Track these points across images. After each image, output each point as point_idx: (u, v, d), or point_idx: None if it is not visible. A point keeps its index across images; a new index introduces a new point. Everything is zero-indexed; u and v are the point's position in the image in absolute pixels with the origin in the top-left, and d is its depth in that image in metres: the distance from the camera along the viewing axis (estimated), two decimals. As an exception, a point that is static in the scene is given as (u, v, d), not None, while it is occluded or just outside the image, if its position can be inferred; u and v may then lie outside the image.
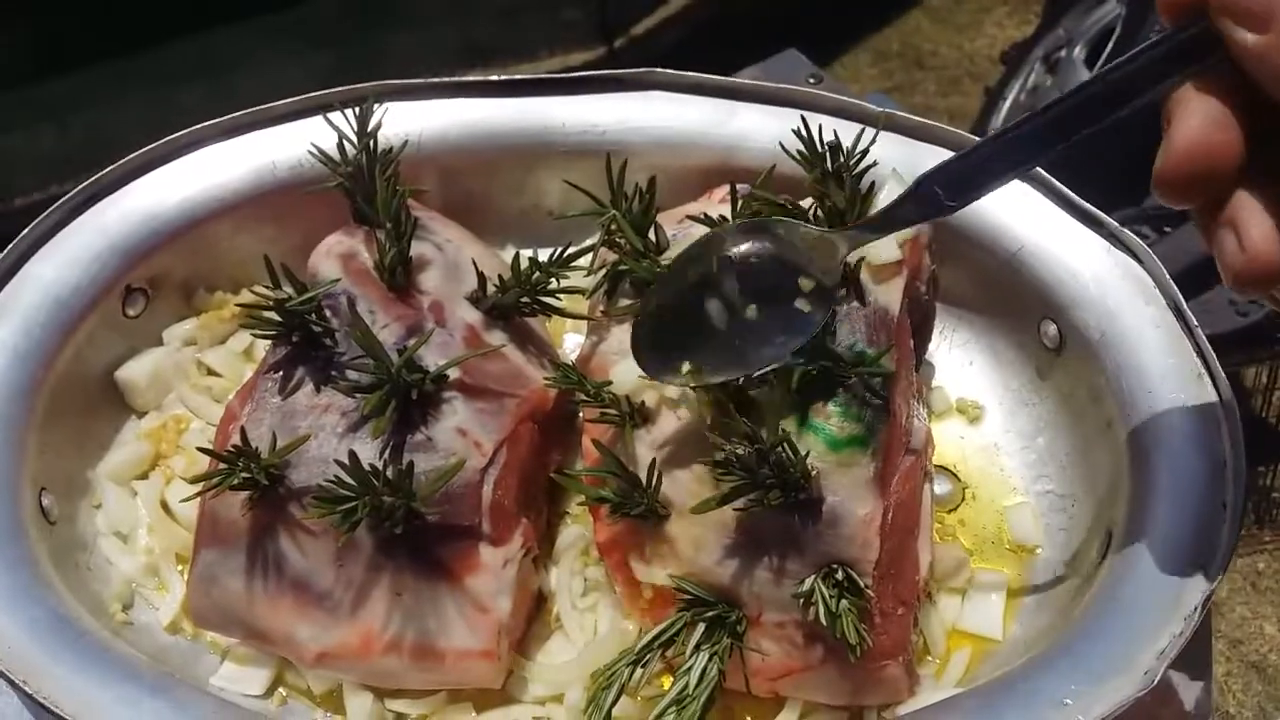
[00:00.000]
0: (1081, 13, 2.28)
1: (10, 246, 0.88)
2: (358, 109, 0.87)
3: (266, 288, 0.78)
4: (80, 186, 0.92)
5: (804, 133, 0.81)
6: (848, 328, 0.75)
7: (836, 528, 0.72)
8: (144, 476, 0.90)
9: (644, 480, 0.75)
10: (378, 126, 0.87)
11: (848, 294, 0.77)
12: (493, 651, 0.75)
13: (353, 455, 0.71)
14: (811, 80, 1.31)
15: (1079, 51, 2.26)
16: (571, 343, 1.00)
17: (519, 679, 0.80)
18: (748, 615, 0.74)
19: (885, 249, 0.78)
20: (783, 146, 0.82)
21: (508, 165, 1.03)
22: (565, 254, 0.85)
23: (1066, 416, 0.89)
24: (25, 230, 0.89)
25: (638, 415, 0.79)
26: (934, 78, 2.94)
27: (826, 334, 0.74)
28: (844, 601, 0.70)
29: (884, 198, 0.81)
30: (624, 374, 0.79)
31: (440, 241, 0.91)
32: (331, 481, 0.71)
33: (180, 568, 0.85)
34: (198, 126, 0.97)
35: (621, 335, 0.83)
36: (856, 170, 0.80)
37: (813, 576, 0.71)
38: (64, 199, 0.91)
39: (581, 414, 0.86)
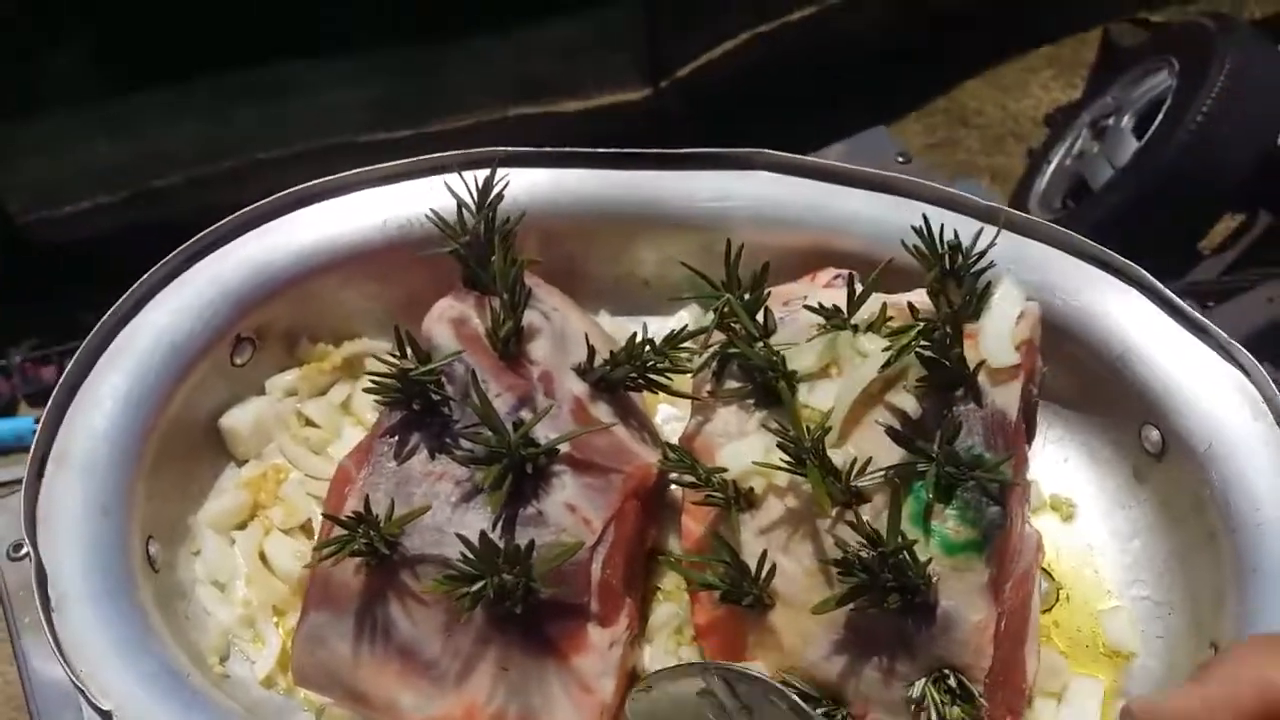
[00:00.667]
0: (1131, 82, 2.29)
1: (127, 294, 0.90)
2: (478, 175, 0.89)
3: (392, 355, 0.79)
4: (196, 237, 0.94)
5: (925, 231, 0.82)
6: (966, 430, 0.75)
7: (950, 632, 0.72)
8: (242, 526, 0.91)
9: (753, 569, 0.75)
10: (500, 197, 0.88)
11: (965, 395, 0.78)
12: (595, 733, 0.75)
13: (483, 536, 0.71)
14: (900, 160, 1.32)
15: (1127, 121, 2.27)
16: (664, 414, 1.01)
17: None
18: (853, 713, 0.74)
19: (1003, 352, 0.78)
20: (905, 245, 0.83)
21: (608, 234, 1.04)
22: (680, 335, 0.86)
23: (1165, 522, 0.89)
24: (143, 277, 0.91)
25: (743, 500, 0.79)
26: (977, 136, 2.95)
27: (945, 435, 0.74)
28: (956, 708, 0.70)
29: (999, 299, 0.82)
30: (733, 457, 0.79)
31: (547, 310, 0.92)
32: (457, 558, 0.72)
33: (276, 620, 0.86)
34: (312, 183, 0.99)
35: (728, 417, 0.83)
36: (974, 269, 0.81)
37: (924, 680, 0.71)
38: (180, 248, 0.93)
39: (681, 493, 0.86)
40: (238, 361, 0.95)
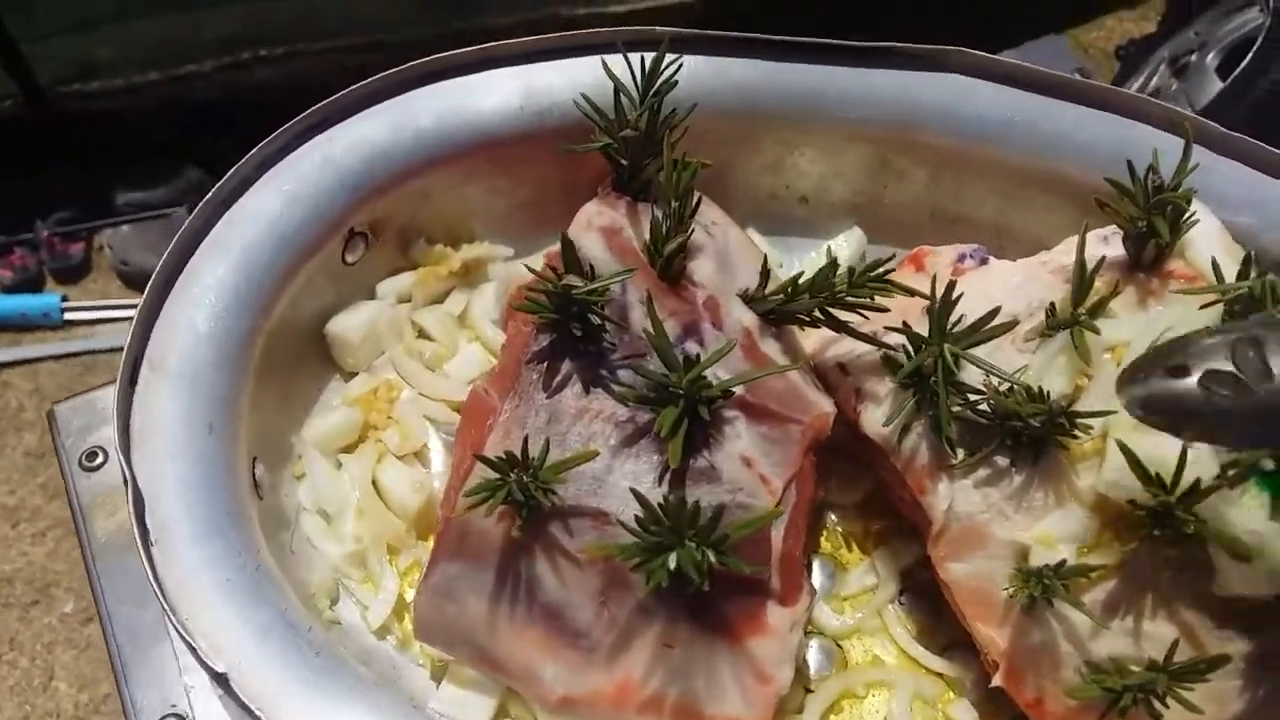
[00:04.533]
0: (1218, 17, 2.10)
1: (231, 171, 0.77)
2: (644, 56, 0.75)
3: (552, 271, 0.67)
4: (308, 111, 0.81)
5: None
6: None
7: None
8: (350, 449, 0.80)
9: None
10: (672, 84, 0.74)
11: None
12: (766, 725, 0.65)
13: (667, 498, 0.60)
14: (1078, 74, 1.16)
15: (1212, 59, 2.08)
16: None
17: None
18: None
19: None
20: (1110, 180, 0.70)
21: (770, 139, 0.90)
22: (879, 269, 0.72)
23: None
24: (248, 155, 0.78)
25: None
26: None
27: None
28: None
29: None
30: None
31: (708, 224, 0.79)
32: (617, 512, 0.61)
33: (390, 559, 0.76)
34: (437, 56, 0.85)
35: (979, 489, 0.68)
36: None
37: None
38: (290, 124, 0.80)
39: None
40: (349, 259, 0.83)
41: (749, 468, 0.67)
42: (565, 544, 0.64)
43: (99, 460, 0.81)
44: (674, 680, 0.64)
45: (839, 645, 0.76)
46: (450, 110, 0.84)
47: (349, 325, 0.82)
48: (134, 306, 0.71)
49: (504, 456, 0.62)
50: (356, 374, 0.84)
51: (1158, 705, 0.60)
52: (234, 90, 1.77)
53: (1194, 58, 2.10)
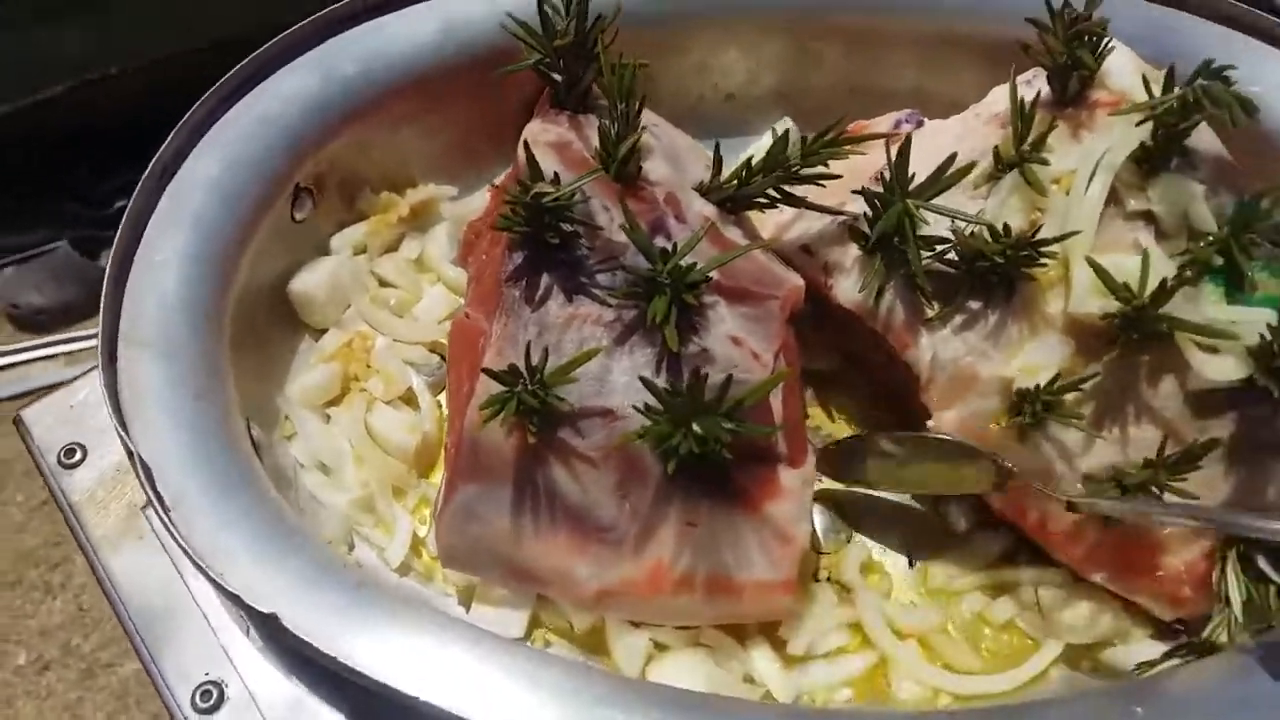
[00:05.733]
0: None
1: (166, 142, 0.76)
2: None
3: (515, 187, 0.67)
4: (232, 71, 0.79)
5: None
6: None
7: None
8: (335, 402, 0.80)
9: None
10: (597, -11, 0.75)
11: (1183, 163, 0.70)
12: (792, 583, 0.68)
13: (671, 383, 0.61)
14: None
15: None
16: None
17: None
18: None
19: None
20: (1033, 21, 0.73)
21: (694, 41, 0.92)
22: (829, 136, 0.74)
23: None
24: (180, 122, 0.77)
25: None
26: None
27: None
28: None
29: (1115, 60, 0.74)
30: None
31: (650, 125, 0.80)
32: (621, 408, 0.63)
33: (398, 501, 0.76)
34: (347, 1, 0.84)
35: (959, 333, 0.72)
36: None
37: None
38: (217, 85, 0.79)
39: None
40: (297, 217, 0.82)
41: (738, 346, 0.69)
42: (578, 446, 0.65)
43: (78, 456, 0.79)
44: (701, 556, 0.67)
45: (842, 508, 0.79)
46: (373, 54, 0.84)
47: (311, 282, 0.82)
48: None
49: (508, 370, 0.63)
50: (325, 330, 0.83)
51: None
52: (89, 114, 1.70)
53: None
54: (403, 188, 0.89)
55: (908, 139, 0.69)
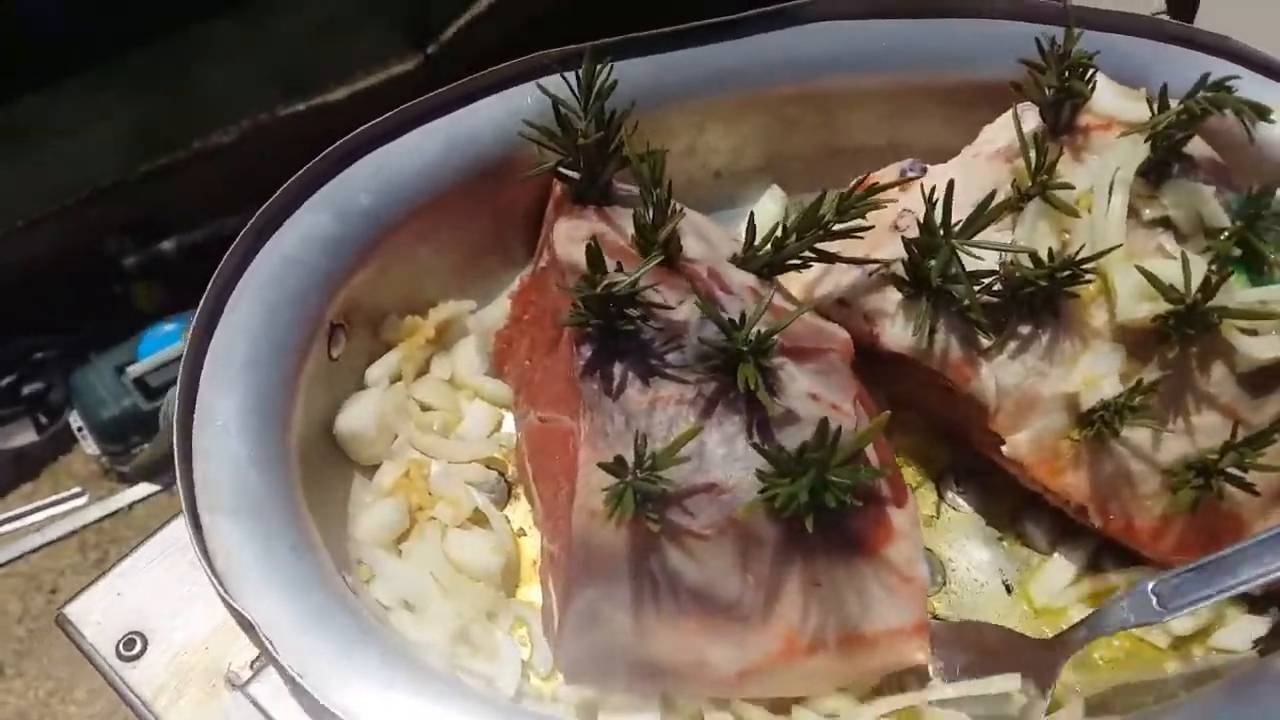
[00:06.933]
0: None
1: (202, 302, 0.74)
2: (578, 71, 0.77)
3: (582, 282, 0.67)
4: (252, 220, 0.78)
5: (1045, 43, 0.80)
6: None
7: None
8: (403, 536, 0.78)
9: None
10: (611, 84, 0.77)
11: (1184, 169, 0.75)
12: (924, 624, 0.68)
13: (772, 443, 0.62)
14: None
15: None
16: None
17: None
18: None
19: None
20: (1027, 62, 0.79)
21: (682, 124, 0.95)
22: (856, 196, 0.76)
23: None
24: (211, 279, 0.75)
25: None
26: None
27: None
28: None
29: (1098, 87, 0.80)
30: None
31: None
32: (726, 481, 0.63)
33: (494, 629, 0.73)
34: (354, 133, 0.84)
35: (1015, 359, 0.75)
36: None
37: None
38: (240, 237, 0.77)
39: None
40: (334, 354, 0.81)
41: (817, 401, 0.70)
42: (691, 526, 0.65)
43: (138, 648, 0.75)
44: (830, 612, 0.66)
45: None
46: (385, 184, 0.84)
47: (358, 419, 0.80)
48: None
49: (617, 461, 0.62)
50: (374, 466, 0.81)
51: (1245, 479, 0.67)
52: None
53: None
54: (422, 309, 0.88)
55: (949, 185, 0.72)
